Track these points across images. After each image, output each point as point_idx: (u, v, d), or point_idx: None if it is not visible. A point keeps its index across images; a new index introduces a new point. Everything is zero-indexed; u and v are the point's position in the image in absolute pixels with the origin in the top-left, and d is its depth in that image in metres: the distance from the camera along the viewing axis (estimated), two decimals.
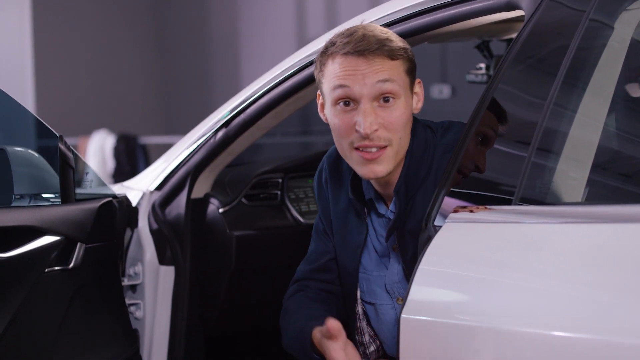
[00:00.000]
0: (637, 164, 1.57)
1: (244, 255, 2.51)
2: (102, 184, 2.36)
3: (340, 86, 1.76)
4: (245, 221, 2.54)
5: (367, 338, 1.96)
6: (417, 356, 1.49)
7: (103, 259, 2.12)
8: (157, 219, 2.43)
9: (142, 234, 2.43)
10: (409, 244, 1.80)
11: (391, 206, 1.86)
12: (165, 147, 2.77)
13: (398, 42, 1.78)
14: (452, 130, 1.85)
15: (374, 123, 1.74)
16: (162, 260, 2.43)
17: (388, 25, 1.97)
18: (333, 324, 1.68)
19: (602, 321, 1.26)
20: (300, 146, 6.90)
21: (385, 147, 1.76)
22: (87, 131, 6.76)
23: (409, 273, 1.81)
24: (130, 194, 2.42)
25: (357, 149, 1.77)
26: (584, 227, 1.39)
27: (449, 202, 1.59)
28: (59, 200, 2.02)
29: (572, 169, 1.53)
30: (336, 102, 1.77)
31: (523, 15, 1.71)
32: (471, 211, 1.54)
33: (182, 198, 2.44)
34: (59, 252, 1.96)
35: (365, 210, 1.92)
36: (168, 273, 2.44)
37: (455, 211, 1.56)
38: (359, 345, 1.97)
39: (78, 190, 2.08)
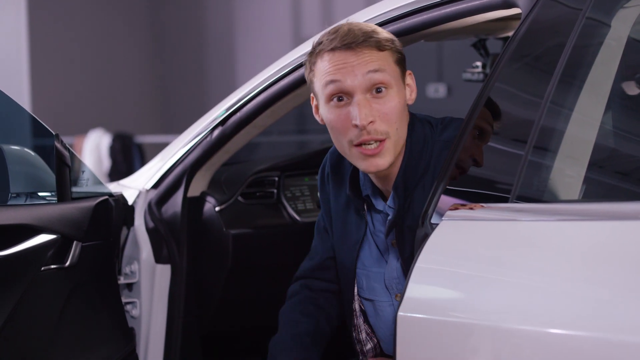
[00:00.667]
0: (633, 161, 1.57)
1: (240, 253, 2.51)
2: (99, 183, 2.35)
3: (332, 81, 1.76)
4: (241, 220, 2.54)
5: (364, 335, 1.96)
6: (414, 354, 1.49)
7: (99, 257, 2.12)
8: (154, 217, 2.43)
9: (138, 233, 2.43)
10: (408, 240, 1.80)
11: (389, 202, 1.87)
12: (161, 146, 2.77)
13: (384, 33, 1.79)
14: (452, 126, 1.85)
15: (369, 115, 1.74)
16: (159, 258, 2.43)
17: (384, 23, 1.98)
18: None
19: (599, 319, 1.26)
20: (296, 145, 6.90)
21: (384, 140, 1.76)
22: (83, 130, 6.75)
23: (407, 269, 1.81)
24: (126, 193, 2.42)
25: (356, 145, 1.77)
26: (581, 225, 1.39)
27: (445, 199, 1.59)
28: (55, 198, 2.02)
29: (569, 167, 1.53)
30: (329, 98, 1.77)
31: (520, 14, 1.71)
32: (470, 209, 1.54)
33: (178, 196, 2.44)
34: (55, 250, 1.95)
35: (365, 207, 1.92)
36: (164, 271, 2.44)
37: (452, 209, 1.56)
38: (355, 342, 1.98)
39: (74, 189, 2.08)
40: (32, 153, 2.19)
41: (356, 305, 1.96)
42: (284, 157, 2.77)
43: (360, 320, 1.96)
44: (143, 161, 6.46)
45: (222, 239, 2.49)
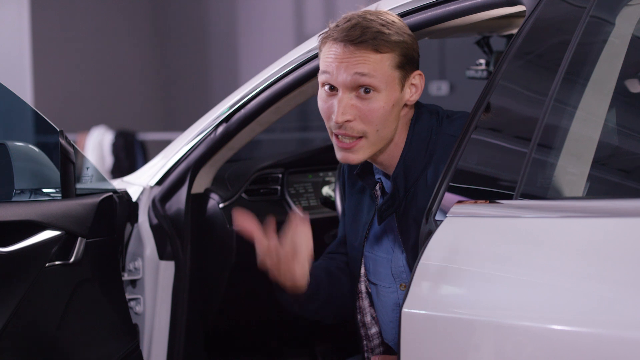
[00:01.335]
0: (637, 158, 1.58)
1: (244, 250, 2.50)
2: (103, 179, 2.36)
3: (325, 72, 1.80)
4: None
5: (368, 318, 1.97)
6: (418, 350, 1.49)
7: (103, 253, 2.12)
8: (157, 214, 2.43)
9: (142, 229, 2.43)
10: (412, 232, 1.81)
11: (387, 189, 1.88)
12: (164, 144, 2.77)
13: (394, 35, 1.77)
14: (460, 121, 1.84)
15: (346, 113, 1.77)
16: (162, 255, 2.43)
17: None
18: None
19: (602, 315, 1.27)
20: (300, 142, 6.91)
21: (360, 137, 1.79)
22: (86, 127, 6.75)
23: (410, 260, 1.82)
24: (130, 189, 2.42)
25: (335, 135, 1.81)
26: (585, 222, 1.40)
27: (450, 196, 1.60)
28: (60, 195, 2.03)
29: (573, 164, 1.53)
30: (322, 84, 1.82)
31: (524, 11, 1.71)
32: (474, 206, 1.55)
33: (182, 193, 2.44)
34: (59, 246, 1.96)
35: (379, 190, 1.93)
36: (168, 268, 2.44)
37: (457, 206, 1.56)
38: (360, 325, 1.98)
39: (78, 185, 2.08)
40: (37, 149, 2.19)
41: (362, 287, 1.96)
42: (287, 154, 2.77)
43: (365, 303, 1.97)
44: (145, 158, 6.47)
45: (225, 235, 2.49)
